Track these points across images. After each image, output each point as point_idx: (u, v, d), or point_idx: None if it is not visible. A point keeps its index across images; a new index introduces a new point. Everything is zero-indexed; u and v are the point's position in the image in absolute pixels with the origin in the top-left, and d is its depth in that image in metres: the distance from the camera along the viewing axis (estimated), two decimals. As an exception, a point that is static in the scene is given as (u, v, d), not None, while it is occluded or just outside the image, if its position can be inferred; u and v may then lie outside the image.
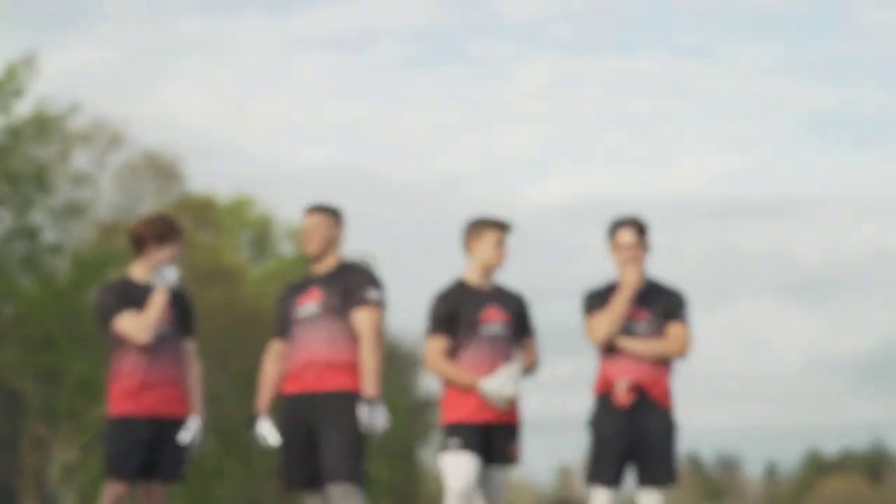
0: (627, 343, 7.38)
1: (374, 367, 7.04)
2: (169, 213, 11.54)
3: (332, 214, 7.40)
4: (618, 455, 7.36)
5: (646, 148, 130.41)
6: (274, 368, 7.33)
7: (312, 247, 7.32)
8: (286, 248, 49.11)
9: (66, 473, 35.97)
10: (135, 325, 7.14)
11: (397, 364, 51.11)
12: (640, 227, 7.51)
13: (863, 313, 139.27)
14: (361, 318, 7.09)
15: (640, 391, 7.36)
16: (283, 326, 7.33)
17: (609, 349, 7.44)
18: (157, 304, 7.17)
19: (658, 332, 7.45)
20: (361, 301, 7.12)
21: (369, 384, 7.02)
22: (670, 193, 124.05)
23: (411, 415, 52.55)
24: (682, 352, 7.44)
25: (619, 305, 7.38)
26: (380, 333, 7.14)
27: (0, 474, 28.02)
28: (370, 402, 7.00)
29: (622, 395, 7.33)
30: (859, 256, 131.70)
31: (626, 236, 7.48)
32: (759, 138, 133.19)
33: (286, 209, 45.71)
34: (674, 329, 7.45)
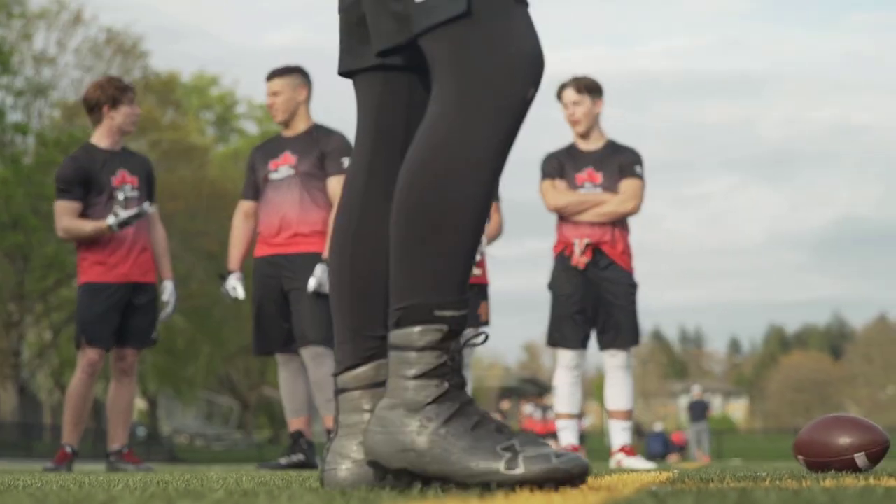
0: (581, 217, 7.22)
1: None
2: (117, 76, 11.36)
3: (292, 75, 7.16)
4: (578, 315, 7.22)
5: (611, 25, 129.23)
6: (244, 227, 7.23)
7: (279, 115, 7.15)
8: (250, 128, 48.99)
9: (39, 354, 36.28)
10: (59, 220, 7.04)
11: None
12: (580, 85, 7.32)
13: (823, 189, 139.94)
14: (337, 186, 6.94)
15: (597, 251, 7.22)
16: (254, 188, 7.20)
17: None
18: (88, 231, 7.01)
19: (613, 192, 7.28)
20: (338, 169, 6.98)
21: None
22: (635, 71, 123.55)
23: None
24: (633, 207, 7.24)
25: (583, 200, 7.20)
26: None
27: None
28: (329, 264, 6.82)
29: (577, 255, 7.19)
30: (822, 132, 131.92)
31: (568, 94, 7.35)
32: (723, 15, 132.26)
33: (249, 88, 45.56)
34: (625, 184, 7.28)
